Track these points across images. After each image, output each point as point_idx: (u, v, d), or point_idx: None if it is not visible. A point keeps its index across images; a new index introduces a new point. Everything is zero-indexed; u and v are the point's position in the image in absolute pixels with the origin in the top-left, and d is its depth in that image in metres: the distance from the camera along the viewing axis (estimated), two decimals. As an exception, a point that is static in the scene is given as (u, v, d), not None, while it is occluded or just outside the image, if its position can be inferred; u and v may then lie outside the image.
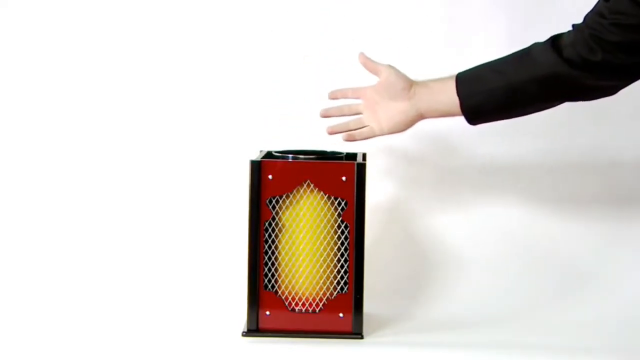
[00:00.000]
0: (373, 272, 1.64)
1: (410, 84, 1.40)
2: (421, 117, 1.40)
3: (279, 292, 1.40)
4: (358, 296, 1.39)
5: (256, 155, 1.44)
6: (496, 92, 1.35)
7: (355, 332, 1.39)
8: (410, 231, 1.68)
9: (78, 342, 1.36)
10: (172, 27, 1.72)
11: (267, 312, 1.39)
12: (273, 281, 1.40)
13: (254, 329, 1.39)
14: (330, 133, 1.44)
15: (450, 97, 1.37)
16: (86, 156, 1.72)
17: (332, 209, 1.40)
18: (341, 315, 1.39)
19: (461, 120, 1.39)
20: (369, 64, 1.44)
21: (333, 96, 1.46)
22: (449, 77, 1.38)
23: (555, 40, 1.34)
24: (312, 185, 1.38)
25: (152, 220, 1.71)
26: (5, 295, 1.56)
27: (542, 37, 1.36)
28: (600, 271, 1.64)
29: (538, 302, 1.57)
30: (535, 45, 1.35)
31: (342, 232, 1.40)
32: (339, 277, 1.40)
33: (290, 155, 1.41)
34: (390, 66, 1.42)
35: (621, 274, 1.63)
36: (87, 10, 1.72)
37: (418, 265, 1.66)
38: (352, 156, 1.46)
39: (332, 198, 1.39)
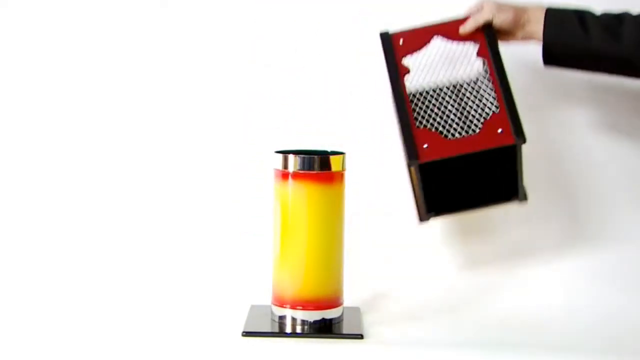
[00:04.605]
0: (372, 272, 1.65)
1: (518, 18, 1.48)
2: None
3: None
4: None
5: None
6: (575, 49, 1.43)
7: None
8: (410, 231, 1.69)
9: (78, 342, 1.36)
10: (176, 30, 1.72)
11: (425, 145, 1.42)
12: (424, 121, 1.45)
13: None
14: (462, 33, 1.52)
15: (536, 33, 1.47)
16: (91, 155, 1.73)
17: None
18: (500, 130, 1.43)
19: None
20: (471, 26, 1.51)
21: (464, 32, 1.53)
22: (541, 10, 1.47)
23: None
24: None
25: (151, 220, 1.71)
26: (5, 295, 1.57)
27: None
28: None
29: (541, 302, 1.57)
30: (631, 17, 1.42)
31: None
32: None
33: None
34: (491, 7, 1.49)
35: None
36: (90, 10, 1.72)
37: (419, 265, 1.66)
38: None
39: None
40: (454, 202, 1.49)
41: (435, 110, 1.46)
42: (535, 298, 1.59)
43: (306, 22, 1.71)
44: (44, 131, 1.73)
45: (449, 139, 1.42)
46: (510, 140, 1.40)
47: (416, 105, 1.47)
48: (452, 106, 1.46)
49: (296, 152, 1.43)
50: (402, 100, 1.46)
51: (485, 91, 1.46)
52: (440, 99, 1.47)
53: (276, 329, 1.42)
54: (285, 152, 1.43)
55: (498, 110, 1.43)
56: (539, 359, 1.34)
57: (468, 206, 1.49)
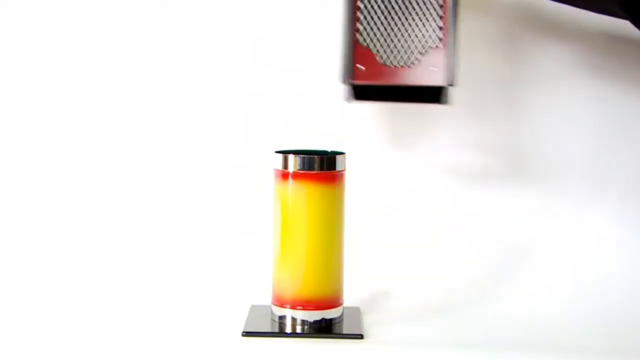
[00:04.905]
0: (372, 272, 1.65)
1: None
2: None
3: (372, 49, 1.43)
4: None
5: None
6: None
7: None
8: (410, 231, 1.69)
9: (77, 342, 1.36)
10: (176, 30, 1.72)
11: (361, 67, 1.41)
12: (367, 37, 1.42)
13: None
14: None
15: None
16: (90, 155, 1.73)
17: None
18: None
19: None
20: None
21: None
22: None
23: None
24: None
25: (151, 220, 1.71)
26: (5, 295, 1.56)
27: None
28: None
29: (542, 302, 1.57)
30: None
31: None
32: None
33: None
34: None
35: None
36: (90, 10, 1.72)
37: (419, 265, 1.66)
38: None
39: None
40: (383, 93, 1.48)
41: (381, 29, 1.43)
42: (537, 298, 1.59)
43: (306, 22, 1.71)
44: (43, 131, 1.73)
45: (386, 65, 1.42)
46: (440, 82, 1.41)
47: (364, 16, 1.43)
48: (397, 28, 1.42)
49: (296, 152, 1.43)
50: (351, 9, 1.42)
51: (432, 18, 1.42)
52: (388, 18, 1.43)
53: (276, 329, 1.42)
54: (285, 152, 1.43)
55: (441, 44, 1.41)
56: (540, 359, 1.34)
57: (395, 99, 1.48)
